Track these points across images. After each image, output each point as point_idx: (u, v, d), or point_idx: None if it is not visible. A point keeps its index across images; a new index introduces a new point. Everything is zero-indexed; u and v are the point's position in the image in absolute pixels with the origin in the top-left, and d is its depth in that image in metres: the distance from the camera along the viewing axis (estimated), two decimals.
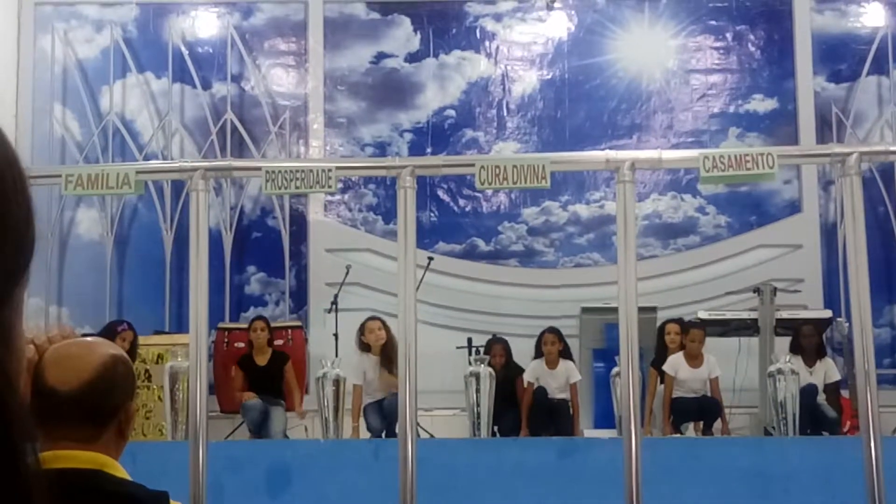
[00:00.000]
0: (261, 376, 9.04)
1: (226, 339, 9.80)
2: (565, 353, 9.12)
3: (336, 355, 9.00)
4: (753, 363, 9.41)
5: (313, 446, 8.28)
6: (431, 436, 9.09)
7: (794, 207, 10.92)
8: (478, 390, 8.33)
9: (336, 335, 9.32)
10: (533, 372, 9.01)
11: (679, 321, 9.23)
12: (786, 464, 7.60)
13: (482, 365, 8.43)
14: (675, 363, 8.86)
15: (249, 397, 8.92)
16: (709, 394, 8.87)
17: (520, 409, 8.94)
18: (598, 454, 7.45)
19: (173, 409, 8.31)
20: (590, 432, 9.21)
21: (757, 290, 9.80)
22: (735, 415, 9.59)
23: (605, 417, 9.02)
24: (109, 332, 8.74)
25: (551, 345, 9.03)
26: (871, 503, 5.32)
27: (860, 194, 5.68)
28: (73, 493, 2.06)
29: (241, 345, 9.75)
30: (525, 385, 9.00)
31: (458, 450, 7.99)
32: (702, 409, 8.84)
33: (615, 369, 8.17)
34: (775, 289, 9.35)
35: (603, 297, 9.41)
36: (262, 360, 9.11)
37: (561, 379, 8.99)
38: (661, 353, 8.97)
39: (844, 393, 9.10)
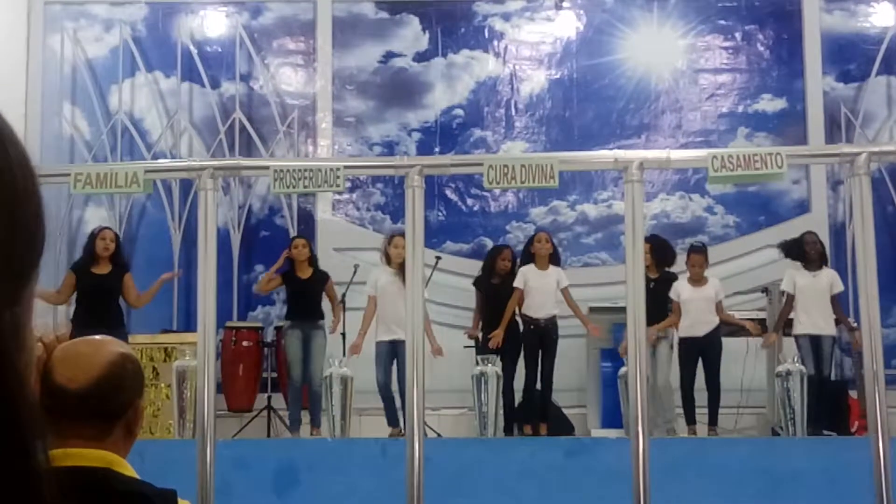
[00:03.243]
0: (302, 291, 9.10)
1: (233, 338, 9.81)
2: (555, 259, 9.14)
3: (344, 354, 9.01)
4: (761, 363, 9.41)
5: (321, 445, 8.30)
6: (439, 435, 9.10)
7: (802, 207, 10.90)
8: (485, 390, 8.34)
9: (344, 334, 9.32)
10: (523, 276, 9.02)
11: (652, 239, 9.13)
12: (793, 464, 7.59)
13: (489, 364, 8.44)
14: (678, 287, 8.92)
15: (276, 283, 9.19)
16: (713, 321, 8.83)
17: (516, 325, 9.03)
18: (606, 454, 7.45)
19: (181, 407, 8.33)
20: (597, 432, 9.22)
21: (765, 290, 9.80)
22: (743, 415, 9.58)
23: (613, 417, 9.02)
24: (90, 240, 8.93)
25: (545, 242, 9.10)
26: None
27: (869, 194, 5.66)
28: (82, 491, 2.07)
29: (249, 343, 9.78)
30: (514, 290, 9.02)
31: (466, 449, 8.00)
32: (703, 350, 8.82)
33: (623, 369, 8.17)
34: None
35: (611, 297, 9.41)
36: (304, 274, 9.16)
37: (551, 282, 8.98)
38: None
39: (853, 393, 9.08)
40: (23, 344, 0.76)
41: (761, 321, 9.53)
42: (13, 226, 0.74)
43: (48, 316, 9.52)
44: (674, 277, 9.11)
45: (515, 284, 8.99)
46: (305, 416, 9.07)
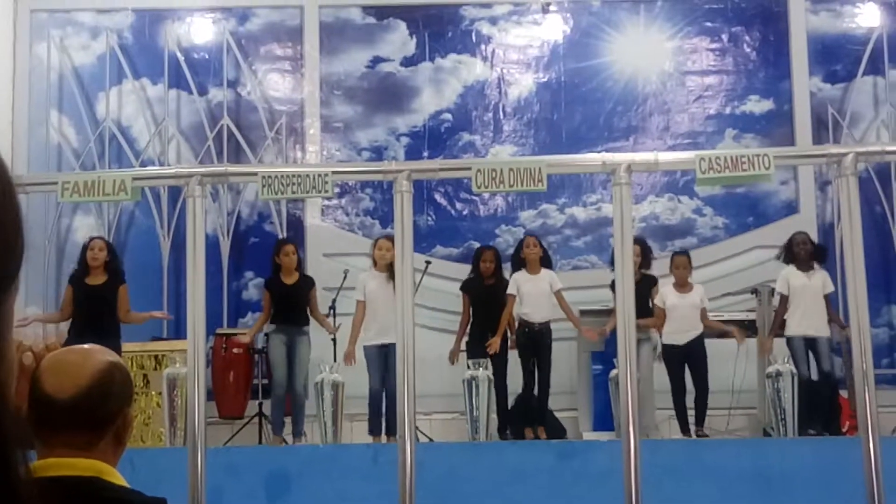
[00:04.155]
0: (287, 296, 9.05)
1: (224, 345, 9.79)
2: (546, 262, 9.14)
3: (334, 360, 8.99)
4: (752, 364, 9.42)
5: (312, 451, 8.28)
6: (430, 439, 9.09)
7: (790, 208, 10.92)
8: (476, 394, 8.34)
9: (334, 339, 9.31)
10: (515, 282, 9.00)
11: (640, 241, 9.06)
12: (785, 465, 7.60)
13: (480, 369, 8.44)
14: (663, 293, 8.90)
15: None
16: (697, 328, 8.84)
17: (506, 331, 9.00)
18: (597, 456, 7.45)
19: (171, 415, 8.30)
20: (588, 434, 9.21)
21: (755, 291, 9.81)
22: (734, 416, 9.59)
23: (604, 419, 9.02)
24: (82, 250, 8.89)
25: (533, 246, 9.09)
26: (870, 503, 5.32)
27: (856, 194, 5.68)
28: (71, 500, 2.06)
29: (240, 350, 9.75)
30: (508, 297, 9.00)
31: (457, 453, 7.99)
32: (688, 357, 8.84)
33: (613, 371, 8.18)
34: (773, 290, 9.35)
35: (601, 300, 9.42)
36: (289, 279, 9.13)
37: (544, 286, 8.96)
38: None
39: (843, 393, 9.10)
40: (2, 355, 0.74)
41: (750, 322, 9.55)
42: None
43: (38, 326, 9.49)
44: (653, 280, 9.12)
45: (508, 291, 8.99)
46: (289, 423, 9.04)
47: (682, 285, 8.96)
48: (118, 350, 8.57)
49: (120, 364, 2.30)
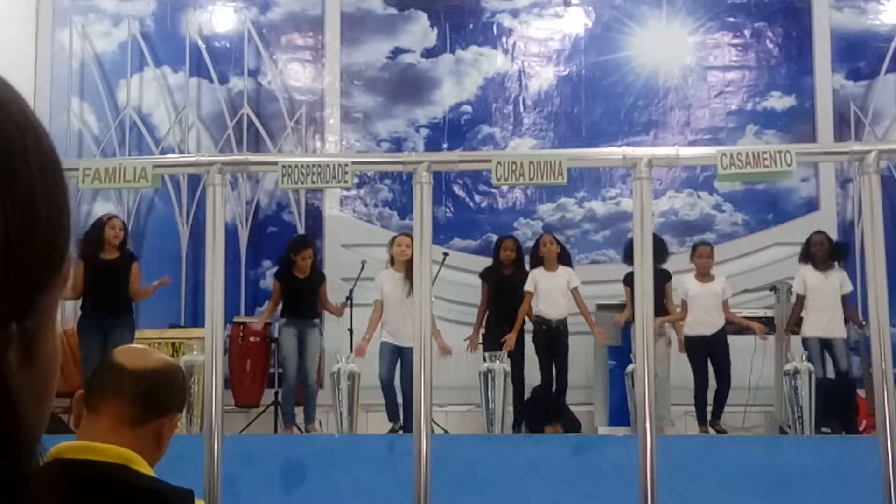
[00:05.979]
0: (299, 289, 9.11)
1: (241, 334, 9.82)
2: (564, 259, 9.12)
3: (351, 350, 9.01)
4: (769, 361, 9.39)
5: (328, 441, 8.30)
6: (446, 431, 9.09)
7: (811, 205, 10.87)
8: (493, 386, 8.34)
9: (351, 330, 9.33)
10: (532, 279, 8.99)
11: (653, 235, 9.04)
12: (801, 463, 7.57)
13: (497, 361, 8.43)
14: (685, 282, 8.86)
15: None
16: (720, 319, 8.80)
17: (521, 327, 8.98)
18: (613, 451, 7.43)
19: (188, 402, 8.32)
20: (604, 429, 9.21)
21: (773, 288, 9.77)
22: (750, 413, 9.57)
23: (620, 414, 9.01)
24: (98, 227, 8.79)
25: (550, 244, 9.07)
26: (887, 503, 5.29)
27: (878, 192, 5.64)
28: (99, 484, 2.11)
29: (257, 339, 9.78)
30: (525, 294, 8.99)
31: (473, 446, 7.99)
32: (711, 349, 8.81)
33: (630, 366, 8.16)
34: (791, 287, 9.31)
35: (619, 295, 9.39)
36: (301, 273, 9.19)
37: (561, 283, 8.95)
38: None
39: (861, 392, 9.06)
40: (33, 358, 0.70)
41: (768, 319, 9.51)
42: (26, 238, 0.69)
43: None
44: (667, 275, 9.09)
45: (526, 288, 8.98)
46: (300, 414, 9.06)
47: (705, 275, 8.93)
48: (132, 326, 8.62)
49: (184, 371, 2.52)
